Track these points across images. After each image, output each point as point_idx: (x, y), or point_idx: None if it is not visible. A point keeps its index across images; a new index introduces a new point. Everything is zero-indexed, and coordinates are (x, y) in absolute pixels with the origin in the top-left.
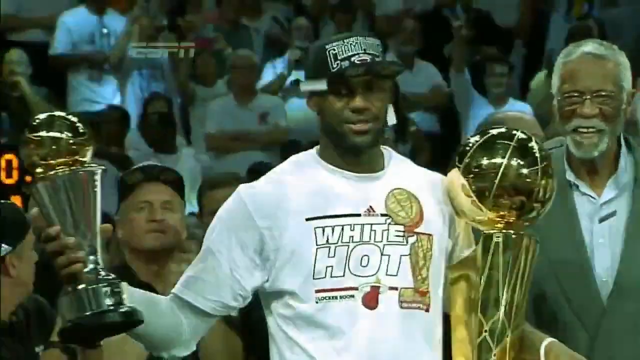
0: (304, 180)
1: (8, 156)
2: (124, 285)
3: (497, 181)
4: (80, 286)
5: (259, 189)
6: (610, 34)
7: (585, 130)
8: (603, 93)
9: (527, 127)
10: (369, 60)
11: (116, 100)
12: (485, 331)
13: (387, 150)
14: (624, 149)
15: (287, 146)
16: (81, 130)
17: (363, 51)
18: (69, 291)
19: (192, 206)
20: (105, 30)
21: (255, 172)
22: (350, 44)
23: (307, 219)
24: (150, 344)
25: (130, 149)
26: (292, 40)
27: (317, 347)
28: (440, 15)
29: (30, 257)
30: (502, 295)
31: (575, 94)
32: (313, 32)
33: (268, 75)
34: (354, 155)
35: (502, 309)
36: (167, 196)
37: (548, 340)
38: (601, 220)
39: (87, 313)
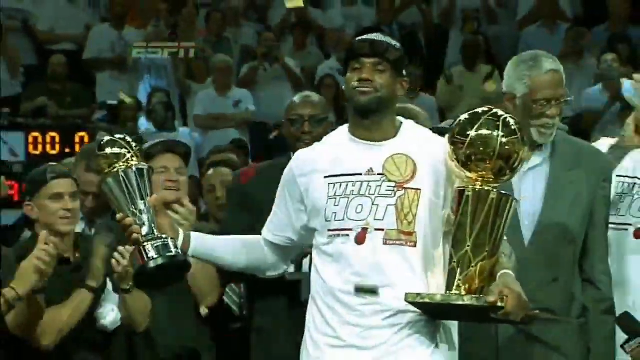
0: (331, 147)
1: (52, 133)
2: (171, 241)
3: (482, 148)
4: (139, 245)
5: (302, 154)
6: (494, 45)
7: (550, 126)
8: (562, 98)
9: (420, 115)
10: (372, 38)
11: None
12: (454, 262)
13: (403, 122)
14: None
15: (255, 125)
16: (135, 146)
17: (375, 37)
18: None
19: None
20: (123, 42)
21: (236, 145)
22: (370, 35)
23: (325, 177)
24: (245, 270)
25: (141, 129)
26: (261, 48)
27: (325, 269)
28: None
29: (49, 207)
30: (468, 236)
31: (545, 101)
32: (277, 41)
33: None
34: (362, 117)
35: (468, 247)
36: (179, 163)
37: (504, 271)
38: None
39: (140, 263)
